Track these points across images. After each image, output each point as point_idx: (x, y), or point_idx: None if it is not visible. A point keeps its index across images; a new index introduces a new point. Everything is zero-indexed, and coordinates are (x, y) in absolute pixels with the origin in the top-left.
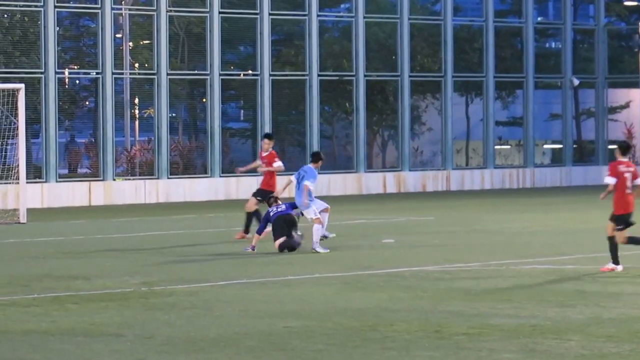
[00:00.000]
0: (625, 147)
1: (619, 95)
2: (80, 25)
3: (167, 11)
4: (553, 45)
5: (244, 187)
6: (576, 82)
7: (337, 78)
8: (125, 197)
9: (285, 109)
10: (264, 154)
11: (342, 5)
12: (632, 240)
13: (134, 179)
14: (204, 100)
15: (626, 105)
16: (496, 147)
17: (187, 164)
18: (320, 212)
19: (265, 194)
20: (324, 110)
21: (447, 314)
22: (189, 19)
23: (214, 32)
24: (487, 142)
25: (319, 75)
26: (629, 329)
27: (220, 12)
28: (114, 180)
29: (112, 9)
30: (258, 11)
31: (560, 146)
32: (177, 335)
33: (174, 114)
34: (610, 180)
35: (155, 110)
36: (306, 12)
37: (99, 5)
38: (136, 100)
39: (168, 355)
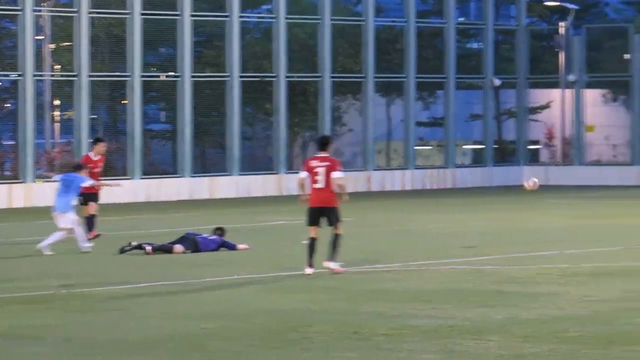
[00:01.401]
0: (324, 142)
1: (540, 96)
2: (0, 27)
3: (88, 13)
4: (474, 45)
5: (165, 189)
6: (497, 82)
7: (258, 79)
8: (46, 199)
9: (206, 111)
10: (96, 158)
11: (264, 7)
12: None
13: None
14: (125, 101)
15: (547, 106)
16: (417, 147)
17: (108, 166)
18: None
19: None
20: (244, 112)
21: (367, 315)
22: (109, 21)
23: (135, 33)
24: (408, 142)
25: (240, 77)
26: (547, 329)
27: (141, 14)
28: (35, 182)
29: (33, 10)
30: (179, 12)
31: (481, 146)
32: (97, 338)
33: (95, 116)
34: (302, 175)
35: (75, 112)
36: (227, 14)
37: (20, 7)
38: (57, 102)
39: (88, 357)
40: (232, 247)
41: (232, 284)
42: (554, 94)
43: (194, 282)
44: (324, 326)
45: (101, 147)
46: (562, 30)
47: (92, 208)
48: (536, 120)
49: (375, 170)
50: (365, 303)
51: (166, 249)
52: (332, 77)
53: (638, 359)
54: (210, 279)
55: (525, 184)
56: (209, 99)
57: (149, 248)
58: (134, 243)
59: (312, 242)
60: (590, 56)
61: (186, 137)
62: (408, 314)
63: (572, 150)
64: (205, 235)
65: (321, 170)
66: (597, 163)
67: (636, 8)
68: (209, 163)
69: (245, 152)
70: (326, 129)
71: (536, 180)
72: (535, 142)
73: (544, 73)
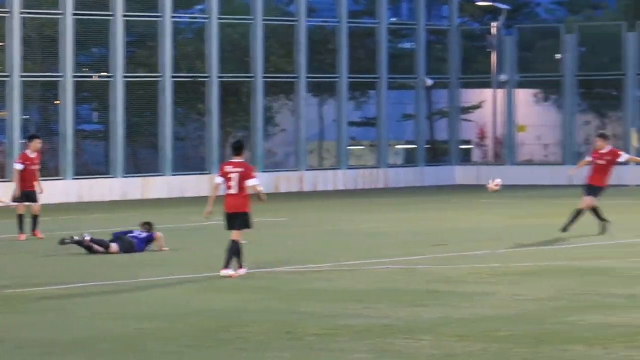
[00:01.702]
0: (237, 147)
1: (472, 96)
2: None
3: (20, 13)
4: (407, 45)
5: (97, 189)
6: (429, 82)
7: (190, 79)
8: None
9: (139, 111)
10: (33, 155)
11: (196, 7)
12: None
13: None
14: (57, 102)
15: (479, 106)
16: (349, 147)
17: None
18: None
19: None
20: (177, 112)
21: (300, 315)
22: (41, 21)
23: (67, 34)
24: (340, 142)
25: (172, 77)
26: (480, 329)
27: (73, 14)
28: None
29: None
30: (112, 13)
31: (414, 146)
32: (31, 339)
33: (27, 117)
34: (217, 180)
35: (8, 113)
36: (160, 14)
37: None
38: None
39: (21, 358)
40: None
41: (167, 284)
42: (486, 94)
43: (128, 282)
44: (257, 326)
45: (37, 144)
46: (494, 31)
47: (36, 208)
48: (468, 120)
49: (307, 170)
50: (298, 303)
51: (103, 245)
52: (265, 78)
53: (568, 358)
54: (144, 279)
55: (488, 185)
56: (142, 100)
57: (87, 238)
58: (76, 237)
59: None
60: (522, 56)
61: (119, 137)
62: (341, 313)
63: (504, 150)
64: (136, 233)
65: (235, 177)
66: (529, 163)
67: (567, 8)
68: (141, 163)
69: (178, 152)
70: (259, 129)
71: (500, 181)
72: (468, 142)
73: (476, 73)
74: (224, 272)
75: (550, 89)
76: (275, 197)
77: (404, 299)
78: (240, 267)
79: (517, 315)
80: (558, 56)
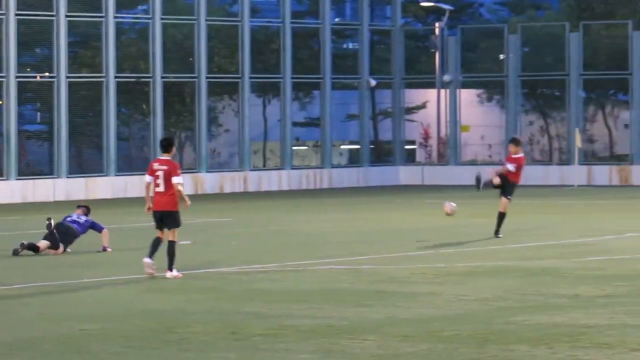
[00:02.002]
0: (165, 144)
1: (415, 96)
2: None
3: None
4: (350, 46)
5: (41, 189)
6: (373, 82)
7: (134, 80)
8: None
9: (82, 111)
10: None
11: (139, 7)
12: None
13: None
14: (0, 102)
15: (423, 106)
16: (293, 148)
17: None
18: None
19: None
20: (120, 112)
21: (245, 315)
22: None
23: (10, 34)
24: (284, 143)
25: (115, 77)
26: (425, 329)
27: (16, 14)
28: None
29: None
30: (54, 13)
31: (358, 147)
32: None
33: None
34: (147, 179)
35: None
36: (103, 14)
37: None
38: None
39: None
40: (100, 230)
41: (111, 285)
42: (430, 94)
43: (72, 282)
44: (202, 326)
45: None
46: (437, 31)
47: None
48: (412, 121)
49: (251, 170)
50: (243, 303)
51: (32, 248)
52: (208, 78)
53: (512, 358)
54: (88, 279)
55: (445, 207)
56: (85, 100)
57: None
58: (24, 242)
59: (157, 240)
60: (466, 56)
61: (62, 137)
62: (285, 314)
63: (448, 150)
64: (74, 216)
65: (161, 174)
66: (473, 163)
67: (510, 9)
68: (85, 163)
69: (121, 152)
70: (202, 129)
71: (454, 205)
72: (412, 142)
73: (420, 73)
74: (169, 274)
75: (493, 89)
76: (219, 197)
77: (348, 299)
78: (170, 269)
79: (461, 315)
80: (501, 56)
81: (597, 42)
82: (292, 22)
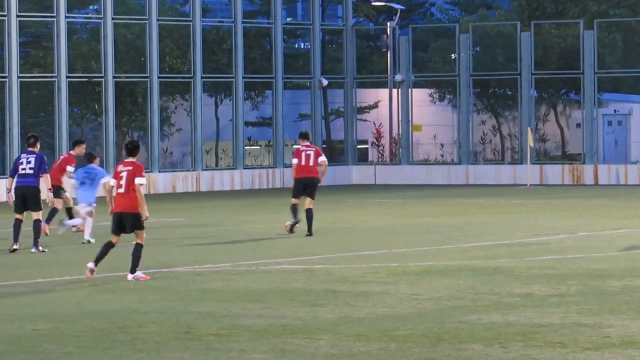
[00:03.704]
0: (130, 148)
1: (367, 95)
2: None
3: None
4: (302, 45)
5: None
6: (325, 82)
7: (86, 79)
8: None
9: (34, 111)
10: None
11: (91, 7)
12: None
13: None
14: None
15: (375, 105)
16: (246, 147)
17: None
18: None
19: None
20: (73, 112)
21: (198, 315)
22: None
23: None
24: (236, 142)
25: (67, 77)
26: (378, 328)
27: None
28: None
29: None
30: (5, 13)
31: None
32: None
33: None
34: (111, 182)
35: None
36: (54, 14)
37: None
38: None
39: None
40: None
41: (62, 285)
42: (382, 94)
43: (24, 282)
44: (155, 326)
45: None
46: (388, 30)
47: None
48: (364, 120)
49: (204, 170)
50: (196, 303)
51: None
52: (160, 78)
53: (466, 357)
54: (40, 279)
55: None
56: (37, 100)
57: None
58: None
59: (108, 246)
60: (417, 56)
61: (14, 138)
62: (239, 313)
63: (400, 150)
64: (22, 159)
65: (124, 175)
66: (425, 162)
67: (461, 8)
68: None
69: None
70: (154, 129)
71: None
72: (364, 142)
73: (372, 73)
74: (130, 277)
75: (445, 89)
76: (171, 197)
77: (302, 298)
78: (133, 272)
79: (415, 314)
80: (453, 56)
81: (549, 42)
82: (243, 22)
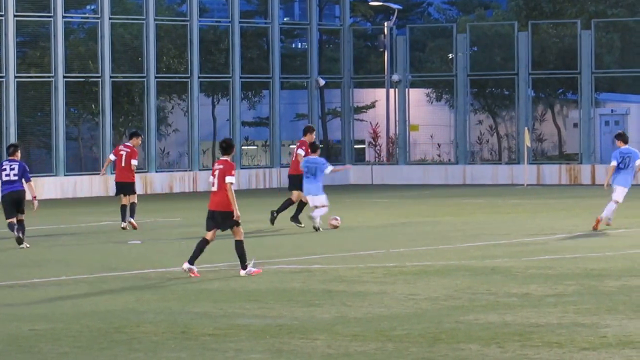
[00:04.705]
0: (225, 146)
1: (364, 95)
2: None
3: None
4: (299, 45)
5: None
6: (322, 82)
7: (83, 79)
8: None
9: (31, 111)
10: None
11: (88, 7)
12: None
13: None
14: None
15: (372, 105)
16: (243, 147)
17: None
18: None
19: None
20: (70, 112)
21: (194, 315)
22: None
23: None
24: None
25: (64, 77)
26: (374, 328)
27: None
28: None
29: None
30: (2, 12)
31: None
32: None
33: None
34: (210, 179)
35: None
36: (51, 14)
37: None
38: None
39: None
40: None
41: (59, 285)
42: (379, 94)
43: (21, 282)
44: (151, 326)
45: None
46: (386, 30)
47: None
48: (361, 120)
49: (201, 170)
50: (193, 303)
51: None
52: (157, 78)
53: (463, 357)
54: (38, 279)
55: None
56: (34, 100)
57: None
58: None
59: (203, 243)
60: (414, 56)
61: (11, 137)
62: (236, 313)
63: (397, 150)
64: (5, 165)
65: (217, 173)
66: (422, 162)
67: (459, 8)
68: (34, 164)
69: (70, 152)
70: (151, 129)
71: (339, 218)
72: (361, 142)
73: (369, 73)
74: (242, 272)
75: (442, 88)
76: (168, 197)
77: (299, 298)
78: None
79: (412, 314)
80: (450, 56)
81: (546, 42)
82: (240, 22)
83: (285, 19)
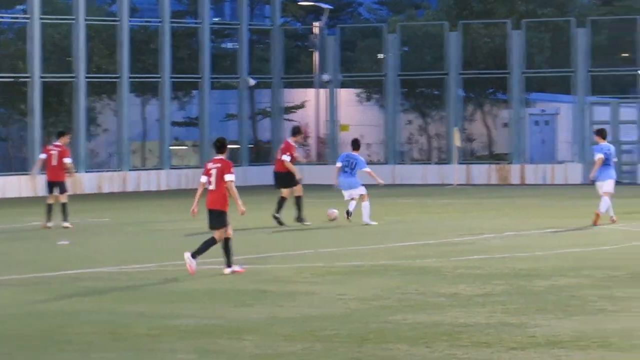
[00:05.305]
0: (219, 145)
1: (294, 95)
2: None
3: None
4: (229, 45)
5: None
6: (252, 82)
7: (12, 79)
8: None
9: None
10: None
11: (18, 7)
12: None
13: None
14: None
15: (302, 105)
16: (172, 147)
17: None
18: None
19: None
20: None
21: (126, 315)
22: None
23: None
24: (163, 142)
25: None
26: (304, 328)
27: None
28: None
29: None
30: None
31: (237, 146)
32: None
33: None
34: (202, 179)
35: None
36: None
37: None
38: None
39: None
40: None
41: None
42: (309, 94)
43: None
44: (83, 327)
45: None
46: (316, 30)
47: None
48: (291, 120)
49: (131, 170)
50: (125, 303)
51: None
52: (87, 78)
53: (391, 357)
54: None
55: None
56: None
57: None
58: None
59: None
60: (345, 56)
61: None
62: (168, 313)
63: (327, 150)
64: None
65: (214, 172)
66: None
67: (389, 8)
68: None
69: None
70: (81, 129)
71: (336, 211)
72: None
73: (299, 73)
74: (227, 270)
75: (372, 88)
76: (97, 197)
77: (230, 298)
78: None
79: (341, 314)
80: (381, 56)
81: (476, 41)
82: (171, 22)
83: (215, 19)
